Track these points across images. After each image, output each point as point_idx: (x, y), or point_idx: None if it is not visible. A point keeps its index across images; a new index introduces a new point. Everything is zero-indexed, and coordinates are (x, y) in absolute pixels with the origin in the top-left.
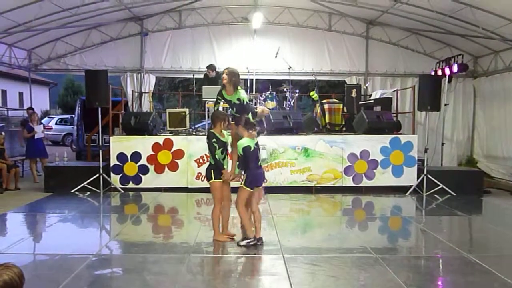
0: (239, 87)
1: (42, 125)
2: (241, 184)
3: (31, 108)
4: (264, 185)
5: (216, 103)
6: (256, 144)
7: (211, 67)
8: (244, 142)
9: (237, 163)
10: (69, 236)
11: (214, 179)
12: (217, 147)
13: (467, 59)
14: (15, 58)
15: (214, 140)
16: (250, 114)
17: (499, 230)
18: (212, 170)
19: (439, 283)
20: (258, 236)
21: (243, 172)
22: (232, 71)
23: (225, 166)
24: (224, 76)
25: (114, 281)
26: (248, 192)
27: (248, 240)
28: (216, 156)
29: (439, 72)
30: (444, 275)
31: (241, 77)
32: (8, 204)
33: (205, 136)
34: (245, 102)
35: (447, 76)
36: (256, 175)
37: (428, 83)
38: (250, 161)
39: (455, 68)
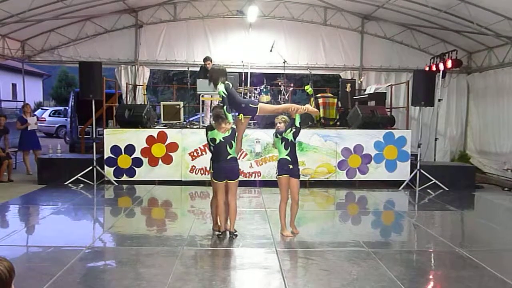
0: (219, 83)
1: (35, 117)
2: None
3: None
4: (258, 178)
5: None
6: (225, 138)
7: (208, 59)
8: (211, 133)
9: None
10: (62, 228)
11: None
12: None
13: (461, 55)
14: (8, 49)
15: (207, 137)
16: (225, 107)
17: (490, 225)
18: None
19: (431, 277)
20: (231, 229)
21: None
22: (212, 69)
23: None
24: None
25: (107, 274)
26: (217, 184)
27: (218, 233)
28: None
29: (433, 68)
30: (435, 270)
31: (235, 70)
32: (1, 196)
33: (200, 129)
34: (223, 96)
35: (441, 72)
36: (220, 168)
37: (422, 78)
38: (214, 154)
39: (449, 64)
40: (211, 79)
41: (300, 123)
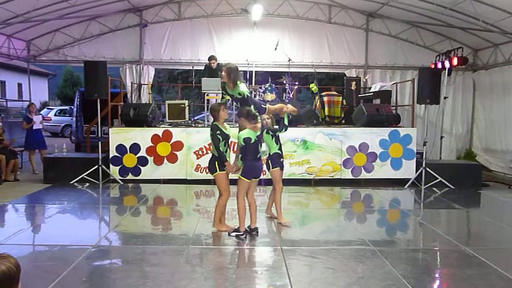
0: (238, 82)
1: (40, 116)
2: (239, 175)
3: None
4: (263, 177)
5: (222, 97)
6: (258, 136)
7: (213, 58)
8: (245, 133)
9: (240, 155)
10: (68, 227)
11: (219, 171)
12: (221, 139)
13: (467, 52)
14: (13, 49)
15: (218, 132)
16: (252, 106)
17: (496, 223)
18: (216, 162)
19: (437, 275)
20: (253, 226)
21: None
22: (230, 68)
23: (227, 158)
24: (223, 74)
25: (113, 272)
26: (246, 183)
27: (238, 233)
28: (220, 148)
29: (439, 65)
30: (441, 268)
31: (240, 69)
32: (7, 195)
33: (205, 128)
34: (246, 96)
35: (446, 69)
36: (253, 167)
37: (427, 76)
38: (248, 153)
39: (454, 61)
40: (230, 78)
41: (288, 121)
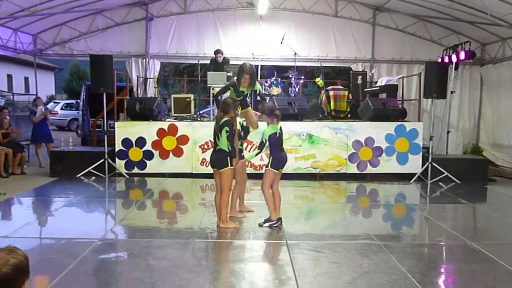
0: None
1: (41, 107)
2: (267, 167)
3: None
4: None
5: (222, 92)
6: (280, 128)
7: (219, 52)
8: (269, 130)
9: (257, 150)
10: (75, 220)
11: (230, 166)
12: (234, 135)
13: (475, 46)
14: (20, 43)
15: (234, 127)
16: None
17: (503, 218)
18: (228, 158)
19: (442, 270)
20: (278, 216)
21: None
22: (253, 72)
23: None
24: (246, 79)
25: (119, 266)
26: (274, 174)
27: (271, 222)
28: (234, 144)
29: (446, 59)
30: (447, 263)
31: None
32: (14, 188)
33: (210, 122)
34: (261, 92)
35: (454, 64)
36: (281, 158)
37: (434, 70)
38: (275, 146)
39: (462, 56)
40: (253, 81)
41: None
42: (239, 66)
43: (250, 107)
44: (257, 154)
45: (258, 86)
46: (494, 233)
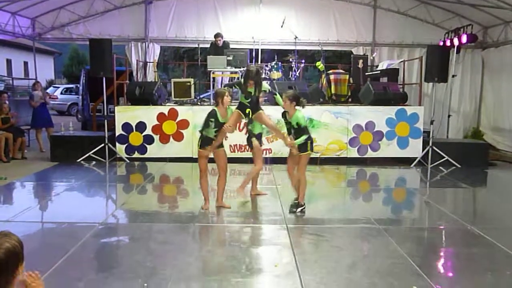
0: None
1: (38, 91)
2: (307, 150)
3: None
4: (269, 155)
5: (231, 86)
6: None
7: (219, 35)
8: (302, 114)
9: (305, 136)
10: (76, 205)
11: (200, 148)
12: (213, 126)
13: (477, 30)
14: (18, 27)
15: (212, 119)
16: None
17: (503, 202)
18: (201, 140)
19: (442, 254)
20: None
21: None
22: (259, 75)
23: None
24: (251, 84)
25: (120, 249)
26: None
27: (302, 207)
28: (207, 132)
29: (448, 43)
30: (446, 247)
31: (246, 47)
32: (15, 173)
33: (211, 106)
34: (270, 91)
35: (455, 47)
36: (312, 140)
37: (436, 54)
38: (306, 128)
39: (464, 39)
40: (259, 83)
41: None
42: (246, 69)
43: (262, 110)
44: (305, 139)
45: (266, 86)
46: (494, 217)
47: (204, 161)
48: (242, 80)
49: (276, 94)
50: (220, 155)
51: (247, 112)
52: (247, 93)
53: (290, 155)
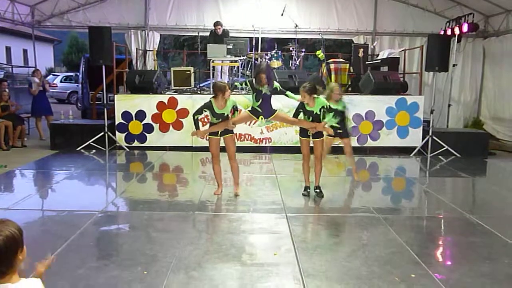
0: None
1: (36, 79)
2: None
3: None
4: (269, 144)
5: (242, 83)
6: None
7: (219, 24)
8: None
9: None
10: (76, 193)
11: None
12: (207, 114)
13: (478, 19)
14: (18, 14)
15: (205, 110)
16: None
17: (502, 192)
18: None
19: (440, 243)
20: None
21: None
22: (272, 73)
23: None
24: (263, 78)
25: (120, 237)
26: None
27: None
28: (196, 116)
29: (449, 32)
30: (445, 236)
31: (246, 35)
32: (14, 161)
33: (210, 95)
34: (280, 89)
35: (456, 36)
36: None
37: (437, 43)
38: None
39: (465, 28)
40: (271, 81)
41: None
42: (257, 65)
43: (277, 110)
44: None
45: (276, 84)
46: (493, 206)
47: (213, 146)
48: (254, 79)
49: (286, 93)
50: (228, 140)
51: (259, 118)
52: (257, 92)
53: (316, 141)
